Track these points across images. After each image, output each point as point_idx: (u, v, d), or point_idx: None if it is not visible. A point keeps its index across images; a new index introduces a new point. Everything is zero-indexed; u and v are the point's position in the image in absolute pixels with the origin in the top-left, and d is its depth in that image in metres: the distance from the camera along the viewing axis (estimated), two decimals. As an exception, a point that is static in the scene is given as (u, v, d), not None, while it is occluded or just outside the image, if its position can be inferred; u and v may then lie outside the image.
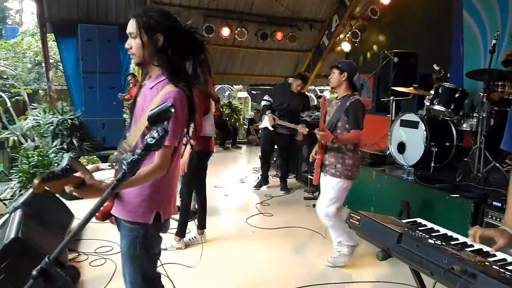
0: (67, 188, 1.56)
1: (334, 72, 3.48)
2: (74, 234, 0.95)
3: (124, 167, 0.94)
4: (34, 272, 0.89)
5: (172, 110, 1.05)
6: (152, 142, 0.94)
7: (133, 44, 1.78)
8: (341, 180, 3.42)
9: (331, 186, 3.46)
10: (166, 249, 3.71)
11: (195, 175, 3.80)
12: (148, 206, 1.81)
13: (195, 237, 3.96)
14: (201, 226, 3.99)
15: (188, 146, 3.57)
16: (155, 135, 0.94)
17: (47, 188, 1.40)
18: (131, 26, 1.77)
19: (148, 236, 1.85)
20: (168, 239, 3.77)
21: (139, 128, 1.77)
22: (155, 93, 1.77)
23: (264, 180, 6.18)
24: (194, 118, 1.87)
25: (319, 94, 13.81)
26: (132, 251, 1.86)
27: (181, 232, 3.81)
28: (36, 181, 1.34)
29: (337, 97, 3.61)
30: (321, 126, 3.34)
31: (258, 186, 6.10)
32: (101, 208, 1.83)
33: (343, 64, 3.53)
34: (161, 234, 1.95)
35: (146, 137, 0.98)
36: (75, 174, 1.56)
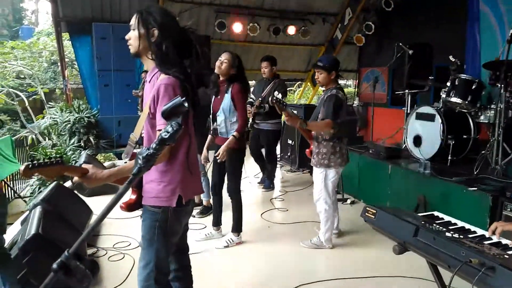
0: (73, 179, 1.74)
1: (322, 73, 3.60)
2: (93, 229, 0.97)
3: (139, 161, 0.96)
4: (54, 266, 0.92)
5: (186, 104, 1.06)
6: (167, 137, 0.96)
7: (131, 35, 1.95)
8: (318, 169, 3.68)
9: (314, 175, 3.76)
10: (228, 246, 3.81)
11: (238, 172, 3.82)
12: (171, 190, 1.94)
13: (211, 232, 3.99)
14: (217, 223, 4.02)
15: (232, 137, 3.60)
16: (169, 129, 0.96)
17: (37, 174, 1.65)
18: (133, 19, 1.96)
19: (169, 220, 1.96)
20: (227, 236, 3.92)
21: (141, 121, 1.93)
22: (152, 86, 1.91)
23: (271, 182, 5.86)
24: (196, 106, 1.99)
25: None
26: (151, 234, 1.97)
27: (237, 228, 3.88)
28: (21, 167, 1.54)
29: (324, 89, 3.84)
30: (287, 113, 3.50)
31: (267, 187, 5.82)
32: (127, 200, 1.99)
33: (327, 62, 3.62)
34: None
35: (160, 131, 1.00)
36: (82, 166, 1.76)
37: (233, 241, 3.85)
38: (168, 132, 0.95)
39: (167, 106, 1.06)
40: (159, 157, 1.77)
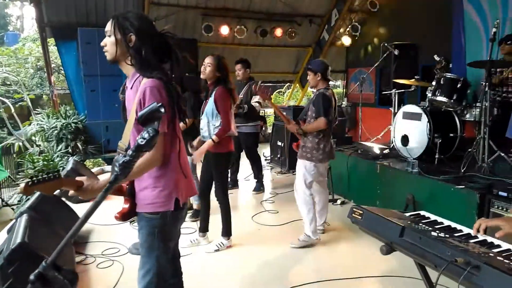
0: (69, 192, 1.71)
1: (310, 74, 3.92)
2: (70, 238, 0.95)
3: (116, 169, 0.94)
4: (31, 277, 0.90)
5: (162, 110, 1.05)
6: (143, 143, 0.94)
7: (107, 41, 1.92)
8: (301, 161, 3.92)
9: (297, 167, 4.00)
10: (218, 250, 3.79)
11: (225, 177, 3.85)
12: (167, 195, 1.92)
13: (196, 239, 3.95)
14: (204, 229, 3.96)
15: (210, 140, 3.56)
16: (146, 135, 0.94)
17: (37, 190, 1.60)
18: (108, 25, 1.92)
19: (167, 226, 1.95)
20: (217, 240, 3.89)
21: (127, 128, 1.88)
22: (135, 91, 1.88)
23: (233, 183, 5.85)
24: (178, 106, 1.96)
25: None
26: (150, 241, 1.95)
27: (227, 231, 3.86)
28: (22, 185, 1.51)
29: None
30: (286, 119, 3.97)
31: (257, 190, 5.79)
32: (121, 209, 1.95)
33: (314, 65, 3.92)
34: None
35: (137, 138, 0.98)
36: (76, 178, 1.72)
37: (223, 244, 3.83)
38: (144, 139, 0.94)
39: (143, 112, 1.04)
40: (151, 163, 1.78)
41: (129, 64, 1.91)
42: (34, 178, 1.56)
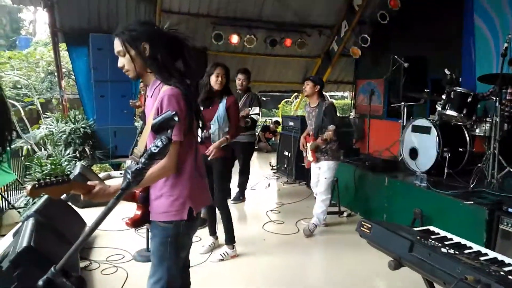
0: (81, 196, 1.70)
1: (309, 83, 4.37)
2: (80, 245, 0.95)
3: (128, 176, 0.94)
4: (40, 283, 0.89)
5: (176, 118, 1.04)
6: (156, 151, 0.94)
7: (124, 61, 1.88)
8: (326, 163, 4.38)
9: (325, 169, 4.36)
10: (222, 259, 3.78)
11: (226, 182, 3.94)
12: (181, 204, 1.90)
13: (213, 242, 4.01)
14: (214, 232, 4.04)
15: (224, 138, 3.71)
16: (159, 144, 0.94)
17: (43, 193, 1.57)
18: (117, 45, 1.87)
19: (180, 235, 1.93)
20: (221, 249, 3.88)
21: (144, 135, 1.85)
22: (154, 99, 1.86)
23: (241, 193, 5.79)
24: (198, 115, 1.97)
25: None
26: (162, 251, 1.92)
27: (230, 239, 3.86)
28: (28, 187, 1.46)
29: (311, 105, 4.52)
30: (307, 139, 4.48)
31: (237, 199, 5.68)
32: (132, 216, 1.95)
33: (315, 78, 4.48)
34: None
35: (150, 146, 0.98)
36: (88, 183, 1.70)
37: (228, 254, 3.82)
38: (157, 147, 0.93)
39: (157, 120, 1.04)
40: (164, 171, 1.77)
41: (149, 72, 1.89)
42: (42, 181, 1.50)
